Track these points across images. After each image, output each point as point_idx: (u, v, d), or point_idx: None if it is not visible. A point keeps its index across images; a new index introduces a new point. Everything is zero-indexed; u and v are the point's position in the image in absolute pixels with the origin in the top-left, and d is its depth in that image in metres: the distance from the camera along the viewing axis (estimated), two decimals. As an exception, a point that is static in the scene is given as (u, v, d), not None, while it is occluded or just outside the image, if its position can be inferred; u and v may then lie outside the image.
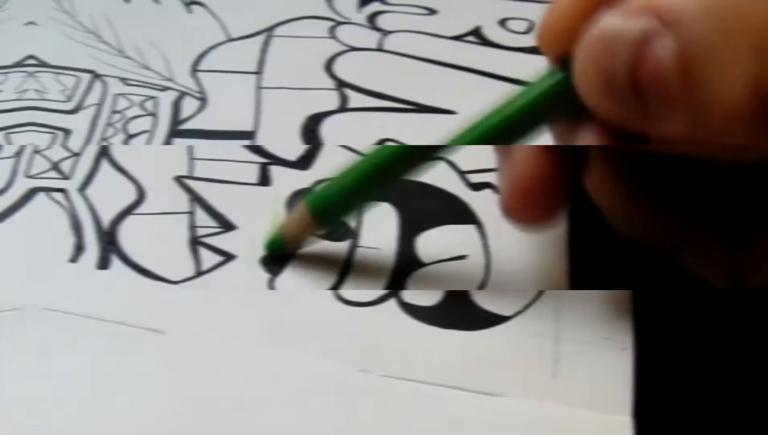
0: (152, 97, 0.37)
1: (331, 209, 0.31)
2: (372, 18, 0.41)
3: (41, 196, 0.33)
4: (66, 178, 0.34)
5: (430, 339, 0.30)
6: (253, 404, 0.28)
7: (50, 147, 0.35)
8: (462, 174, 0.34)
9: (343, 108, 0.36)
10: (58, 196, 0.33)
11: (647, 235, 0.29)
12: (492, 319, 0.30)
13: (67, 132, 0.35)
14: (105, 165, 0.34)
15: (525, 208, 0.28)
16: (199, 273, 0.31)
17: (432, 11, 0.41)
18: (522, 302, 0.30)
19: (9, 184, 0.34)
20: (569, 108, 0.26)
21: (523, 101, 0.27)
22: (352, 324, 0.30)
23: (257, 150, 0.35)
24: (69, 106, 0.36)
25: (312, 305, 0.30)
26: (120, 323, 0.30)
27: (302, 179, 0.34)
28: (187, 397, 0.28)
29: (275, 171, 0.34)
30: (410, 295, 0.30)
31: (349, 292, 0.31)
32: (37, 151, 0.35)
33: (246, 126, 0.36)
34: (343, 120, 0.36)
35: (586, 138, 0.27)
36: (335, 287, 0.31)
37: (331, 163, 0.33)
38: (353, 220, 0.32)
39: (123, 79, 0.38)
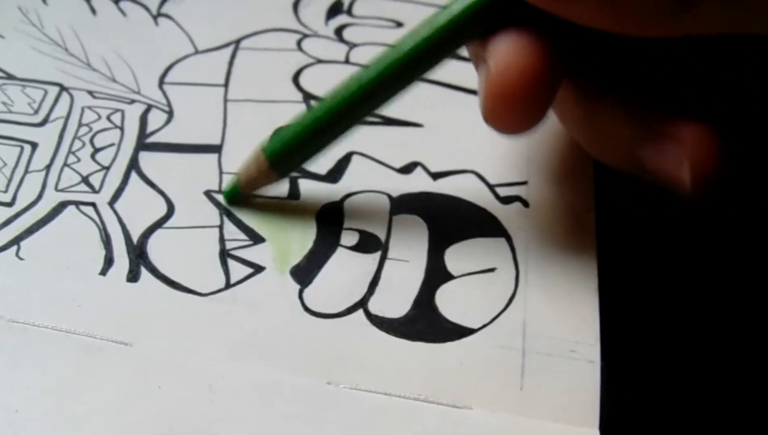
0: (119, 110, 0.37)
1: (287, 155, 0.32)
2: (339, 31, 0.41)
3: (71, 210, 0.33)
4: (96, 191, 0.34)
5: (398, 351, 0.30)
6: (220, 418, 0.28)
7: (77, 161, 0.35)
8: (491, 187, 0.34)
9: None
10: (87, 209, 0.33)
11: (611, 143, 0.29)
12: (459, 332, 0.30)
13: (34, 145, 0.35)
14: (134, 178, 0.35)
15: (508, 110, 0.26)
16: (229, 285, 0.31)
17: (398, 24, 0.41)
18: (489, 314, 0.31)
19: (39, 197, 0.34)
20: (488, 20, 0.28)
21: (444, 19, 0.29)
22: (319, 336, 0.30)
23: None
24: (36, 119, 0.36)
25: (279, 317, 0.30)
26: (87, 336, 0.30)
27: (331, 192, 0.34)
28: (152, 410, 0.28)
29: (304, 184, 0.35)
30: (377, 307, 0.31)
31: (315, 302, 0.31)
32: (66, 165, 0.35)
33: (213, 139, 0.36)
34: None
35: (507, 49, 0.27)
36: (364, 299, 0.31)
37: (359, 175, 0.35)
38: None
39: (90, 92, 0.37)
